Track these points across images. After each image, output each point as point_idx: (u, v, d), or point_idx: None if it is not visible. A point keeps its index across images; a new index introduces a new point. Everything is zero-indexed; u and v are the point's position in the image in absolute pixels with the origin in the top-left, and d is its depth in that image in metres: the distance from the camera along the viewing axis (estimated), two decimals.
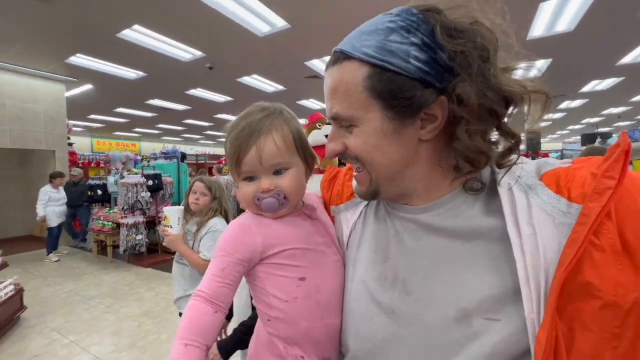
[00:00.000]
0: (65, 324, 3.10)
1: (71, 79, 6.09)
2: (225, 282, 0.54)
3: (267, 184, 0.55)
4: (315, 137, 1.57)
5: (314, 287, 0.56)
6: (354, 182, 0.55)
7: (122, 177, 5.41)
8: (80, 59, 5.16)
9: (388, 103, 0.42)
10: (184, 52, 4.90)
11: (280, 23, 4.05)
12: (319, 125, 1.66)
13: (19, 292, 3.21)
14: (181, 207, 1.71)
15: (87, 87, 6.63)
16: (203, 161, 10.48)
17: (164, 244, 1.74)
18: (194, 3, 3.51)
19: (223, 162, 8.89)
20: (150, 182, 5.15)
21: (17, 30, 4.18)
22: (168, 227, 1.63)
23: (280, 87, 6.98)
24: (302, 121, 1.25)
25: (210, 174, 7.46)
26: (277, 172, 0.56)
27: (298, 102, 8.25)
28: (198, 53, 4.95)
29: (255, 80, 6.50)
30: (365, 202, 0.60)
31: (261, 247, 0.57)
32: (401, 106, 0.42)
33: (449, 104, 0.42)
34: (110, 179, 5.90)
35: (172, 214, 1.64)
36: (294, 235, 0.59)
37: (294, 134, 0.58)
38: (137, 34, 4.28)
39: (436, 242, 0.46)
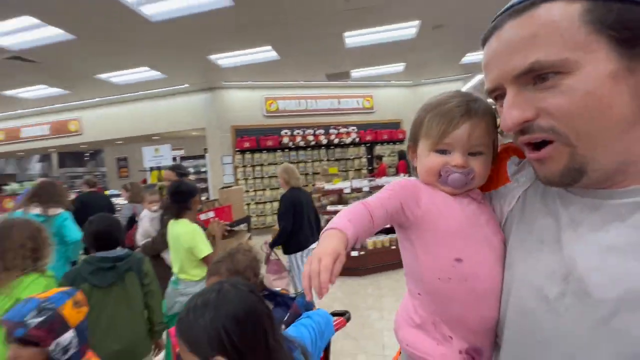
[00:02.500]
0: None
1: None
2: (384, 208, 0.54)
3: (462, 160, 0.55)
4: None
5: (472, 273, 0.53)
6: (535, 165, 0.46)
7: None
8: None
9: (619, 36, 0.35)
10: None
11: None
12: None
13: None
14: None
15: None
16: None
17: None
18: None
19: None
20: None
21: None
22: None
23: None
24: None
25: None
26: (471, 154, 0.57)
27: None
28: None
29: None
30: (525, 187, 0.52)
31: (423, 208, 0.56)
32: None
33: None
34: None
35: None
36: (457, 211, 0.56)
37: (495, 123, 0.58)
38: None
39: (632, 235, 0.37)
